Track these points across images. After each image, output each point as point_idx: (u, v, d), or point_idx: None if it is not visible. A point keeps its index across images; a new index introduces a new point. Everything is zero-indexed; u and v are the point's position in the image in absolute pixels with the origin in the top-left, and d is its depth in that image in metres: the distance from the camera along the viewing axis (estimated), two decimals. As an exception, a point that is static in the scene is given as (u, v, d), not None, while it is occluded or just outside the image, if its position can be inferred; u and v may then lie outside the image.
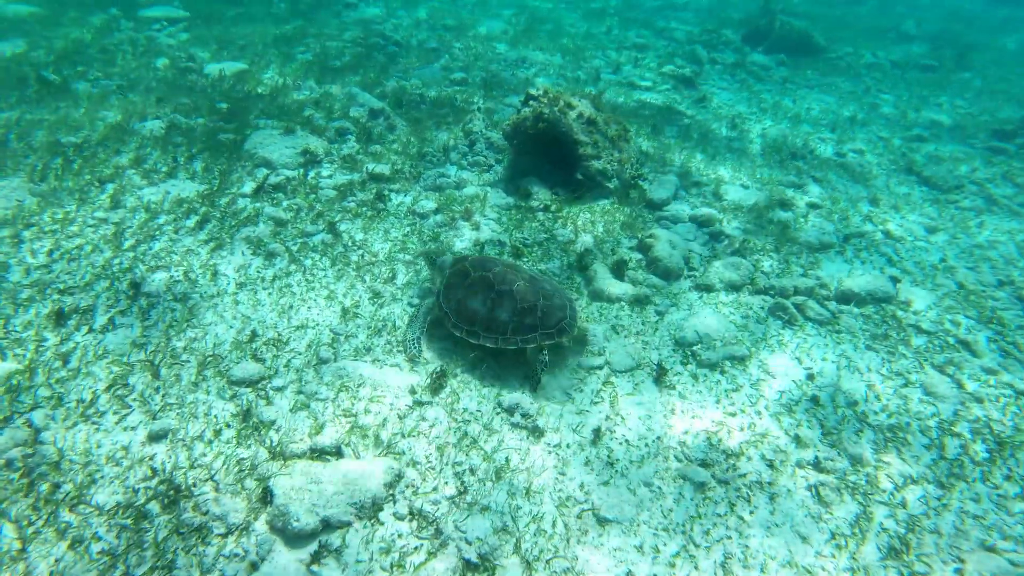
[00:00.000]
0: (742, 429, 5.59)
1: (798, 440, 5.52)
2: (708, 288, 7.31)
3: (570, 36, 16.35)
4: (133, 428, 4.96)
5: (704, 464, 5.23)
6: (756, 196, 9.29)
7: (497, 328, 5.68)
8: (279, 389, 5.42)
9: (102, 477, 4.59)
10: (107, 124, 9.22)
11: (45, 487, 4.47)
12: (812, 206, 9.30)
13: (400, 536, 4.40)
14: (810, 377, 6.23)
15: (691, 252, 7.91)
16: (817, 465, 5.30)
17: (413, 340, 6.00)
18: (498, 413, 5.44)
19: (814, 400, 5.95)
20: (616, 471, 5.07)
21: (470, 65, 13.24)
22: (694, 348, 6.38)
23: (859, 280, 7.42)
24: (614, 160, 8.68)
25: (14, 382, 5.21)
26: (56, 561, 4.08)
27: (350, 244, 7.28)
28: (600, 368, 6.05)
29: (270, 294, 6.42)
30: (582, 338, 6.23)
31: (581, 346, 6.20)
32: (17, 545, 4.11)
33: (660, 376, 5.94)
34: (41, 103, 9.77)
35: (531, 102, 8.78)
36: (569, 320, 5.78)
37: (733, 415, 5.71)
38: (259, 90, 10.76)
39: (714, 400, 5.85)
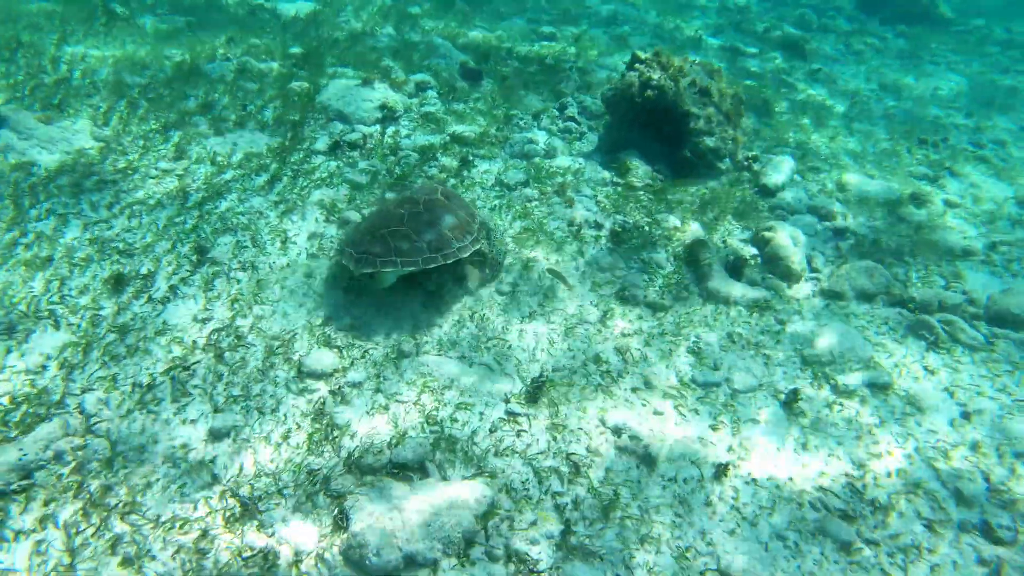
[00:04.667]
0: (890, 475, 4.72)
1: (960, 496, 4.62)
2: (837, 296, 6.34)
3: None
4: (193, 421, 4.37)
5: (847, 517, 4.39)
6: (884, 188, 8.16)
7: (352, 237, 5.32)
8: (355, 385, 4.75)
9: (158, 480, 4.01)
10: (174, 64, 8.58)
11: (96, 488, 3.92)
12: (950, 204, 8.14)
13: (495, 583, 3.73)
14: (966, 416, 5.28)
15: (814, 250, 6.92)
16: (987, 532, 4.41)
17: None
18: (602, 433, 4.69)
19: (974, 446, 5.02)
20: (743, 517, 4.29)
21: (558, 19, 12.15)
22: (826, 369, 5.49)
23: (1020, 298, 6.34)
24: (728, 138, 7.66)
25: (67, 356, 4.67)
26: (105, 581, 3.53)
27: (432, 216, 6.50)
28: (718, 385, 5.22)
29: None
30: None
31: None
32: (66, 559, 3.57)
33: (791, 402, 5.08)
34: (108, 36, 9.18)
35: (637, 65, 7.78)
36: (370, 257, 5.02)
37: (879, 456, 4.84)
38: (336, 35, 9.95)
39: (854, 436, 4.97)
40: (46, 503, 3.82)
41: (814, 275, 6.64)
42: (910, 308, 6.27)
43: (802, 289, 6.44)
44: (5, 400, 4.32)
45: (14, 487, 3.86)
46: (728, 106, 7.74)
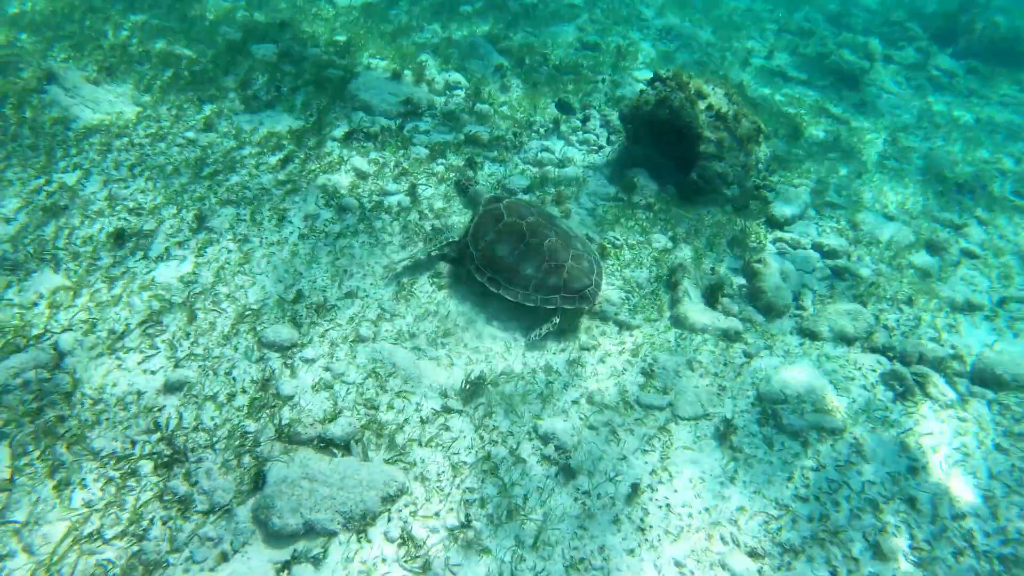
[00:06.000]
0: (811, 520, 4.69)
1: (878, 550, 4.56)
2: (814, 335, 6.25)
3: (727, 10, 14.77)
4: (153, 372, 4.78)
5: (753, 555, 4.41)
6: (900, 231, 7.91)
7: (520, 282, 5.52)
8: (308, 361, 5.07)
9: (107, 419, 4.43)
10: (225, 40, 9.13)
11: (51, 417, 4.36)
12: (968, 254, 7.82)
13: (383, 561, 3.96)
14: (912, 471, 5.16)
15: (804, 287, 6.82)
16: (896, 590, 4.35)
17: (408, 258, 5.99)
18: (531, 439, 4.84)
19: (911, 502, 4.91)
20: (646, 539, 4.37)
21: (607, 29, 12.19)
22: (777, 407, 5.45)
23: (1006, 358, 6.09)
24: (738, 164, 7.60)
25: (58, 298, 5.16)
26: (37, 500, 3.95)
27: (427, 212, 6.77)
28: (661, 409, 5.28)
29: (330, 252, 6.06)
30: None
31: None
32: (6, 474, 4.02)
33: (726, 434, 5.10)
34: (172, 10, 9.84)
35: (656, 84, 7.81)
36: (593, 287, 5.59)
37: (804, 500, 4.81)
38: (383, 27, 10.34)
39: (785, 476, 4.95)
40: (5, 423, 4.28)
41: (799, 312, 6.55)
42: (889, 357, 6.13)
43: (781, 324, 6.38)
44: (-5, 330, 4.84)
45: (-18, 406, 4.36)
46: (743, 131, 7.67)
